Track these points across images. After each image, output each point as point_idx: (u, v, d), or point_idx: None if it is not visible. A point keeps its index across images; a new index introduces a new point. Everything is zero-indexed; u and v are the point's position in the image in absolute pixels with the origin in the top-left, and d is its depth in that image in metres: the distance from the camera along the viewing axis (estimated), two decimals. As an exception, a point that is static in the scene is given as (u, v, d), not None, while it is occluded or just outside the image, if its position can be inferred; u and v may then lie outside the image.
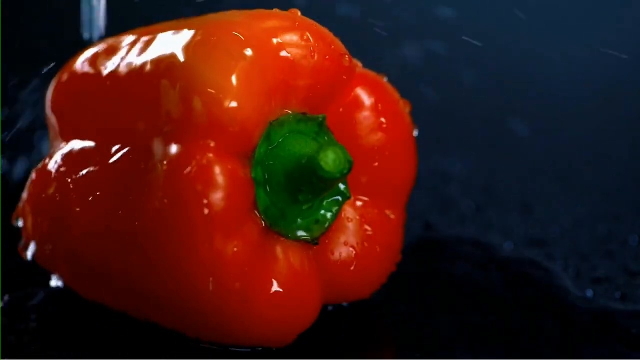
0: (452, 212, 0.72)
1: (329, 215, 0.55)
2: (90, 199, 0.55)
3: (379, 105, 0.57)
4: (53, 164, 0.58)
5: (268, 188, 0.54)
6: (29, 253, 0.59)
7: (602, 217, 0.71)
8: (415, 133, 0.58)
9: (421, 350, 0.56)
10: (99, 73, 0.57)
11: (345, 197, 0.56)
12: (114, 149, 0.55)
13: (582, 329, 0.58)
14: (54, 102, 0.60)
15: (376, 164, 0.57)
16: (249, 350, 0.55)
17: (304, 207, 0.54)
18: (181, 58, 0.53)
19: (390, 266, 0.58)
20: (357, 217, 0.57)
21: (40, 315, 0.59)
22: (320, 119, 0.55)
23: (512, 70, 0.93)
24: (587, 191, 0.75)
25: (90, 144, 0.57)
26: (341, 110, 0.56)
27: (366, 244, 0.57)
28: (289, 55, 0.53)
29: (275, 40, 0.53)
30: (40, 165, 0.59)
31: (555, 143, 0.83)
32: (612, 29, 0.95)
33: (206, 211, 0.51)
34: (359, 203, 0.57)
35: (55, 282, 0.61)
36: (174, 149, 0.52)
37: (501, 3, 0.99)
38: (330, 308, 0.58)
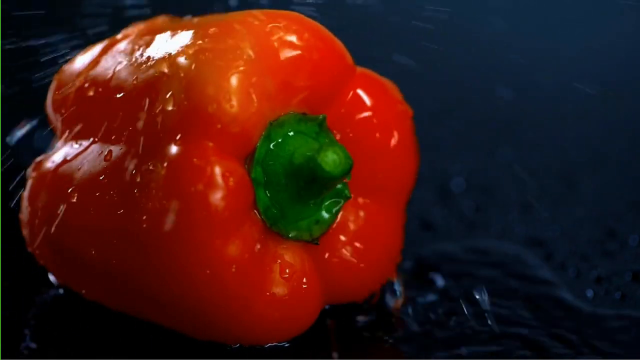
0: (451, 212, 0.72)
1: (329, 215, 0.55)
2: (90, 198, 0.55)
3: (379, 105, 0.57)
4: (53, 163, 0.58)
5: (268, 188, 0.54)
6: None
7: (602, 217, 0.71)
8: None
9: (420, 351, 0.56)
10: (99, 73, 0.57)
11: (345, 197, 0.56)
12: (114, 148, 0.55)
13: (581, 329, 0.58)
14: (54, 101, 0.60)
15: (376, 164, 0.57)
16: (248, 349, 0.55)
17: (304, 207, 0.54)
18: (181, 58, 0.53)
19: (390, 267, 0.58)
20: (357, 217, 0.57)
21: (40, 315, 0.59)
22: (320, 119, 0.55)
23: (513, 70, 0.93)
24: (587, 191, 0.75)
25: (90, 143, 0.57)
26: (341, 110, 0.56)
27: (366, 244, 0.57)
28: (289, 55, 0.53)
29: (275, 40, 0.53)
30: (41, 165, 0.59)
31: (555, 143, 0.83)
32: (612, 29, 0.95)
33: (206, 211, 0.51)
34: (359, 203, 0.57)
35: (54, 282, 0.61)
36: (173, 149, 0.52)
37: (501, 3, 0.99)
38: (329, 308, 0.58)
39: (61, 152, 0.58)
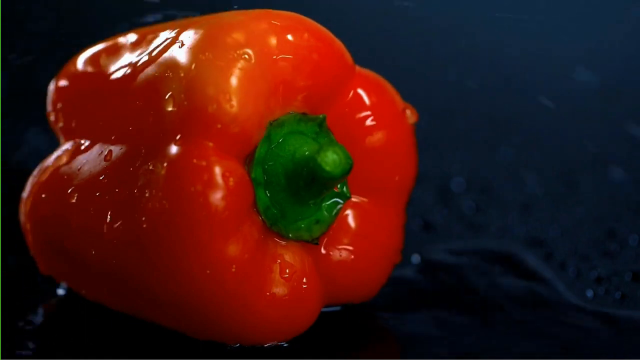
0: (451, 212, 0.72)
1: (329, 215, 0.55)
2: (91, 198, 0.55)
3: (379, 105, 0.57)
4: (54, 163, 0.58)
5: (268, 188, 0.54)
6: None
7: (602, 217, 0.71)
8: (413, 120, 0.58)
9: (420, 351, 0.56)
10: (99, 73, 0.58)
11: (345, 197, 0.56)
12: (114, 148, 0.55)
13: (581, 329, 0.58)
14: (54, 101, 0.60)
15: (376, 164, 0.57)
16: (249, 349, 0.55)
17: (304, 207, 0.54)
18: (181, 58, 0.53)
19: (390, 266, 0.58)
20: (357, 217, 0.57)
21: (40, 315, 0.59)
22: (320, 119, 0.55)
23: (513, 70, 0.93)
24: (587, 191, 0.75)
25: (90, 143, 0.57)
26: (341, 110, 0.56)
27: (366, 244, 0.57)
28: (289, 55, 0.53)
29: (275, 41, 0.53)
30: (41, 164, 0.59)
31: (555, 143, 0.83)
32: (612, 29, 0.95)
33: (206, 211, 0.51)
34: (358, 203, 0.57)
35: (55, 282, 0.61)
36: (173, 149, 0.52)
37: (501, 4, 0.99)
38: (329, 308, 0.58)
39: (61, 152, 0.58)
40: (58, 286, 0.61)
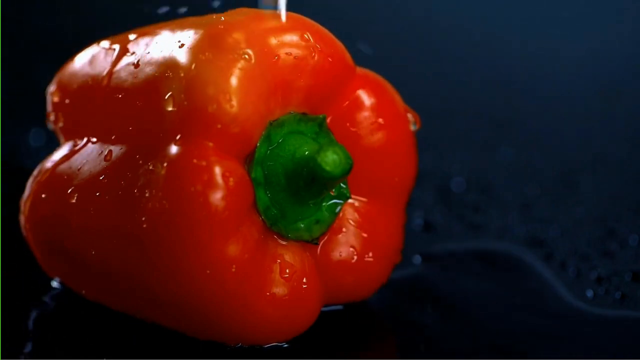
0: (451, 212, 0.72)
1: (329, 215, 0.55)
2: (90, 199, 0.55)
3: (379, 105, 0.57)
4: (53, 164, 0.58)
5: (268, 188, 0.54)
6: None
7: (602, 217, 0.71)
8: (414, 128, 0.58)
9: (420, 351, 0.56)
10: (99, 72, 0.58)
11: (345, 197, 0.56)
12: (114, 148, 0.55)
13: (581, 329, 0.58)
14: (54, 100, 0.60)
15: (376, 164, 0.57)
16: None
17: (304, 207, 0.54)
18: (181, 58, 0.53)
19: (390, 266, 0.58)
20: (357, 217, 0.57)
21: (40, 315, 0.59)
22: (320, 119, 0.55)
23: (512, 71, 0.93)
24: (587, 191, 0.75)
25: (90, 143, 0.57)
26: (341, 110, 0.56)
27: (366, 244, 0.57)
28: (289, 55, 0.53)
29: (275, 41, 0.53)
30: (41, 164, 0.59)
31: (555, 143, 0.83)
32: (612, 29, 0.95)
33: (206, 211, 0.51)
34: (358, 203, 0.57)
35: (54, 282, 0.61)
36: (173, 149, 0.52)
37: (501, 3, 0.99)
38: (329, 308, 0.58)
39: (61, 152, 0.58)
40: (58, 286, 0.61)
